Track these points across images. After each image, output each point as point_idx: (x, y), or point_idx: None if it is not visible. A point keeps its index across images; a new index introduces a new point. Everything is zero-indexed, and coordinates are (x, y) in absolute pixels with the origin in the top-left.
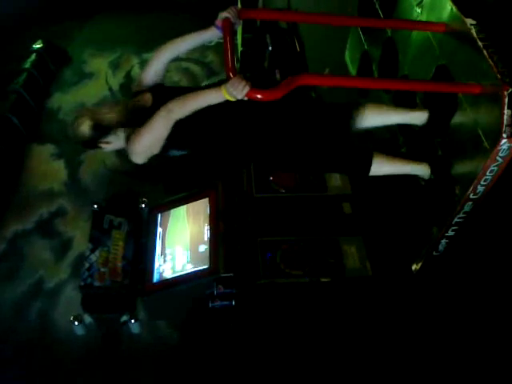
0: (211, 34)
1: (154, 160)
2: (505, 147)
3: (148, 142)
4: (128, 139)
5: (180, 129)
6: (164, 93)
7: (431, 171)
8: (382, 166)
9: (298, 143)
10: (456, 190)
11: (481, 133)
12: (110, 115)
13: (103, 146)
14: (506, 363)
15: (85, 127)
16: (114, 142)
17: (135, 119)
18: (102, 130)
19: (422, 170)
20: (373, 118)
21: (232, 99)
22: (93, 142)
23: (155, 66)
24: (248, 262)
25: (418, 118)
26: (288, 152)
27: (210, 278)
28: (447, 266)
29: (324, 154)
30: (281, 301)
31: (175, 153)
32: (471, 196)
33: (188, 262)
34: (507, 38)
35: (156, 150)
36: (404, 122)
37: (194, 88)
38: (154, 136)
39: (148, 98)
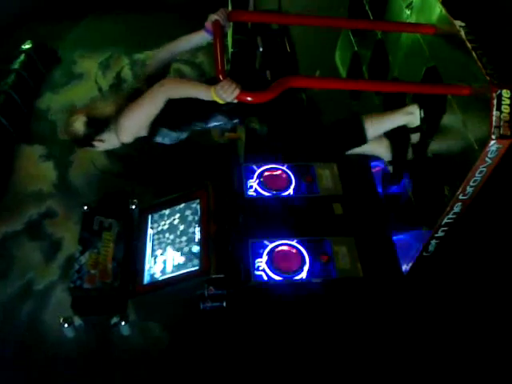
0: (201, 37)
1: (144, 158)
2: (493, 148)
3: (137, 117)
4: (118, 117)
5: (170, 107)
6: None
7: (420, 108)
8: (375, 125)
9: (291, 113)
10: (445, 191)
11: (470, 134)
12: (106, 108)
13: (96, 144)
14: (496, 363)
15: (79, 124)
16: (108, 139)
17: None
18: (97, 126)
19: (412, 111)
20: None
21: (221, 102)
22: (86, 139)
23: (150, 72)
24: (239, 263)
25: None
26: (282, 118)
27: (200, 279)
28: (437, 266)
29: (317, 137)
30: (272, 302)
31: (165, 136)
32: (460, 197)
33: (179, 264)
34: (496, 39)
35: (144, 130)
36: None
37: None
38: (144, 111)
39: (145, 86)
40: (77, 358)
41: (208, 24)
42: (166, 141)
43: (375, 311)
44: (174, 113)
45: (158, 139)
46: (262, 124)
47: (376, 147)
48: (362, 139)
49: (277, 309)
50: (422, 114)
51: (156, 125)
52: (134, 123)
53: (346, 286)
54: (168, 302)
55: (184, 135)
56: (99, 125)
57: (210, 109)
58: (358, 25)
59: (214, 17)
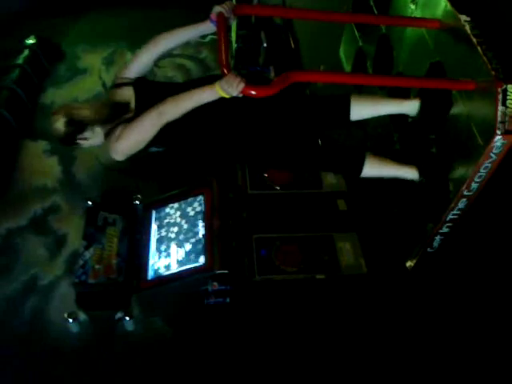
0: (205, 28)
1: (143, 156)
2: (498, 144)
3: (134, 142)
4: (108, 136)
5: (167, 127)
6: (147, 89)
7: (420, 173)
8: (373, 168)
9: (290, 140)
10: (450, 187)
11: (475, 129)
12: (84, 110)
13: (81, 142)
14: (499, 359)
15: (59, 124)
16: (92, 138)
17: (115, 116)
18: (76, 126)
19: (411, 174)
20: (360, 108)
21: (226, 96)
22: (69, 138)
23: (145, 58)
24: (243, 259)
25: (409, 107)
26: (280, 149)
27: (204, 275)
28: (441, 262)
29: (317, 152)
30: (276, 298)
31: (156, 149)
32: (465, 193)
33: (183, 259)
34: (501, 34)
35: (138, 149)
36: (395, 112)
37: (176, 84)
38: (142, 136)
39: (130, 94)
40: (81, 353)
41: (213, 15)
42: (154, 151)
43: (379, 307)
44: (169, 137)
45: (151, 150)
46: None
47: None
48: (357, 174)
49: (281, 305)
50: (422, 179)
51: (149, 144)
52: (130, 147)
53: (350, 282)
54: (172, 297)
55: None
56: (79, 125)
57: (206, 149)
58: (363, 19)
59: (218, 8)
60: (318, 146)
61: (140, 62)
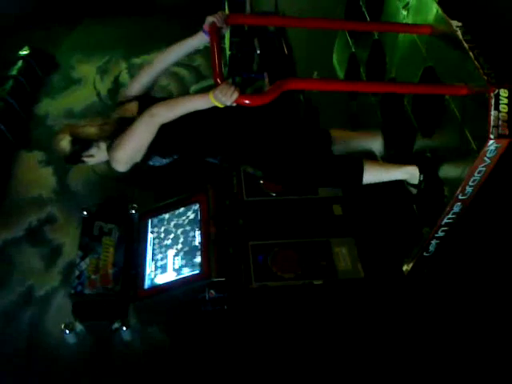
0: (199, 40)
1: (140, 167)
2: (492, 148)
3: (131, 149)
4: (110, 147)
5: (162, 135)
6: (150, 103)
7: (420, 172)
8: (373, 174)
9: (285, 154)
10: (445, 191)
11: (468, 134)
12: (89, 128)
13: (86, 159)
14: (496, 363)
15: (64, 143)
16: (97, 154)
17: (121, 131)
18: (82, 144)
19: (412, 172)
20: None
21: (220, 106)
22: (75, 157)
23: (144, 78)
24: (240, 266)
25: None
26: (275, 162)
27: (201, 283)
28: (438, 266)
29: (312, 166)
30: (273, 304)
31: (157, 161)
32: (460, 197)
33: (179, 267)
34: (493, 39)
35: (138, 157)
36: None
37: None
38: (137, 142)
39: (134, 107)
40: (78, 364)
41: (206, 26)
42: (156, 164)
43: (377, 311)
44: (167, 142)
45: (149, 163)
46: (255, 169)
47: (370, 142)
48: (358, 183)
49: (278, 311)
50: (422, 178)
51: (149, 152)
52: (129, 154)
53: (348, 287)
54: (169, 306)
55: (173, 159)
56: (85, 143)
57: (203, 152)
58: (355, 26)
59: (211, 19)
60: (311, 160)
61: (140, 83)
